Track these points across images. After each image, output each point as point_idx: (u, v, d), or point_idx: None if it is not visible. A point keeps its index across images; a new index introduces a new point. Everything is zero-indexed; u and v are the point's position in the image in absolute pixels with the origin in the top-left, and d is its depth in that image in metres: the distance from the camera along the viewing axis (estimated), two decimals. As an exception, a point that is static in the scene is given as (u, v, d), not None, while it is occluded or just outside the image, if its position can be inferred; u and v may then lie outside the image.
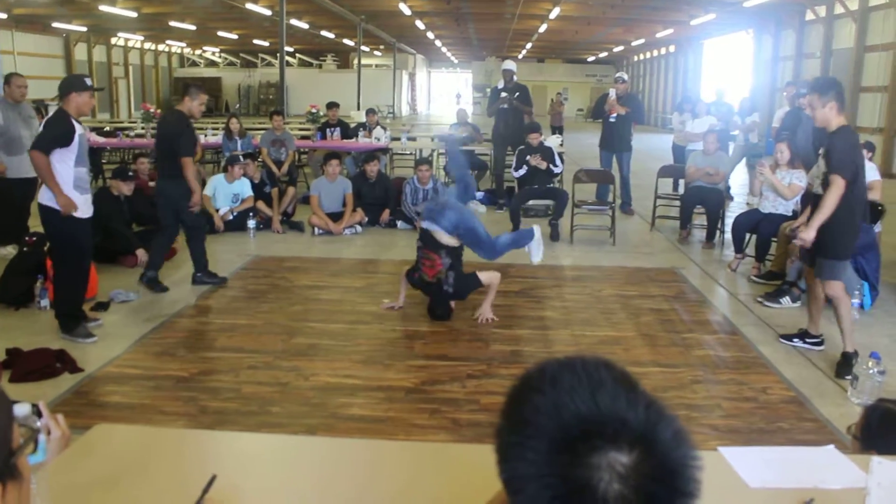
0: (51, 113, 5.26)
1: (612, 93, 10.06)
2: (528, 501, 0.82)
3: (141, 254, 6.94)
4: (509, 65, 10.70)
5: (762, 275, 6.90)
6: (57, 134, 4.89)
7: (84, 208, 5.04)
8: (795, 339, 5.18)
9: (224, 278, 6.61)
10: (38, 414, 1.62)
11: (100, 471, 1.67)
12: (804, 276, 5.25)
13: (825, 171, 4.66)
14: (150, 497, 1.62)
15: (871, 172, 7.04)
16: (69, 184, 4.91)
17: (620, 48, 36.53)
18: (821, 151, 4.82)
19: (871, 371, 4.26)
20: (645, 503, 0.79)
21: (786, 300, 6.10)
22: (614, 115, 9.93)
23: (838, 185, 4.54)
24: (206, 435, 2.57)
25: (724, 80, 21.99)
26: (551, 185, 9.13)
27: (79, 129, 4.97)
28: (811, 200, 4.98)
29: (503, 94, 10.43)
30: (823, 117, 4.61)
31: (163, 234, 6.43)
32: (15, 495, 0.87)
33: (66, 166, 4.89)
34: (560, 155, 9.53)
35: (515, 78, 10.65)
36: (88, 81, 5.08)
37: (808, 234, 4.68)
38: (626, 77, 10.81)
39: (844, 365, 4.73)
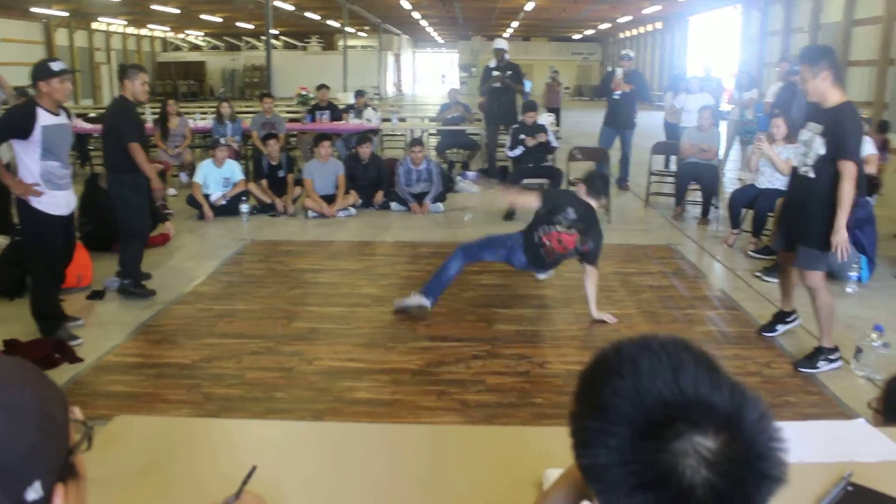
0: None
1: (619, 71, 10.06)
2: (610, 488, 0.79)
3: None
4: (501, 43, 10.63)
5: (759, 250, 6.90)
6: (7, 125, 4.62)
7: (55, 203, 4.69)
8: (778, 327, 4.89)
9: (153, 292, 5.78)
10: None
11: (123, 463, 1.63)
12: (778, 257, 4.91)
13: (823, 153, 4.13)
14: (179, 488, 1.59)
15: (867, 146, 7.05)
16: (35, 177, 4.58)
17: (607, 25, 36.35)
18: (813, 128, 4.24)
19: (874, 343, 4.27)
20: (733, 489, 0.76)
21: (784, 274, 6.09)
22: (619, 92, 9.91)
23: (852, 173, 4.04)
24: (228, 424, 2.55)
25: (712, 57, 21.92)
26: (546, 163, 9.08)
27: (48, 119, 4.54)
28: (796, 184, 4.40)
29: (495, 73, 10.36)
30: (816, 89, 4.11)
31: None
32: (75, 495, 0.83)
33: (32, 159, 4.57)
34: (554, 132, 9.50)
35: (507, 56, 10.58)
36: (55, 66, 4.64)
37: (840, 237, 4.09)
38: (632, 55, 10.82)
39: (813, 357, 4.40)
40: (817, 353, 4.41)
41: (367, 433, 2.04)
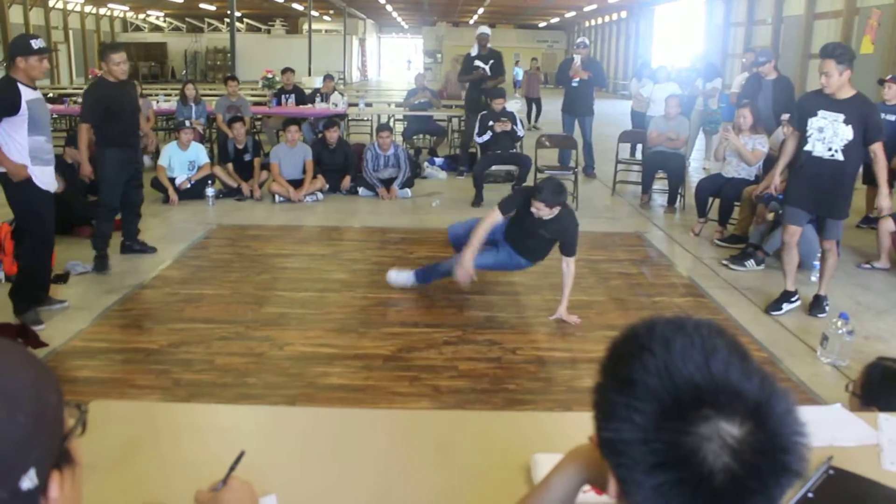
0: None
1: (577, 59, 10.09)
2: (630, 464, 0.79)
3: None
4: (485, 29, 10.53)
5: (725, 238, 6.99)
6: None
7: (46, 180, 4.74)
8: (784, 306, 5.21)
9: (153, 248, 6.37)
10: None
11: (103, 449, 1.59)
12: (784, 236, 5.20)
13: (851, 138, 4.67)
14: (162, 474, 1.56)
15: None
16: (24, 154, 4.59)
17: (572, 13, 36.46)
18: (828, 116, 4.72)
19: (840, 331, 4.34)
20: (752, 478, 0.76)
21: (750, 263, 6.19)
22: (577, 79, 9.95)
23: (883, 151, 4.80)
24: (207, 409, 2.51)
25: (676, 47, 22.08)
26: (514, 150, 9.09)
27: (29, 94, 4.59)
28: (825, 168, 4.81)
29: (477, 64, 10.27)
30: (837, 83, 4.63)
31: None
32: (70, 481, 0.80)
33: (21, 136, 4.57)
34: (521, 121, 9.51)
35: (490, 45, 10.48)
36: (36, 44, 4.67)
37: (888, 202, 5.04)
38: (587, 42, 10.83)
39: (817, 305, 5.17)
40: (818, 301, 5.19)
41: (351, 418, 2.03)
